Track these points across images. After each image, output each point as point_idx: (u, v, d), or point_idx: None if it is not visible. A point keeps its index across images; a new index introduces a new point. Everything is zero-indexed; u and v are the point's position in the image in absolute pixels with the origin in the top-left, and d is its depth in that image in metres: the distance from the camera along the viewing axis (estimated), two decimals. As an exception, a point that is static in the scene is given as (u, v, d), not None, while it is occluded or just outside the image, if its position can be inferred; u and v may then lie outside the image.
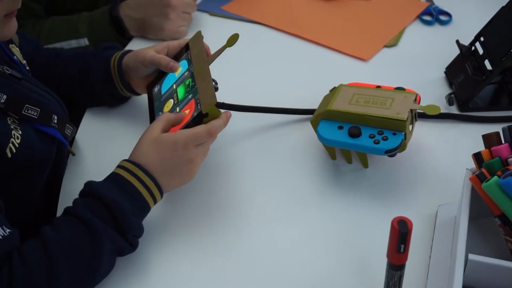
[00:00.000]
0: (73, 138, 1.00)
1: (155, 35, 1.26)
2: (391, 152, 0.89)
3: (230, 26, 1.31)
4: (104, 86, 1.04)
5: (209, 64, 0.94)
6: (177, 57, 0.99)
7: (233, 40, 0.96)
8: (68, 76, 1.05)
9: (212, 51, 0.97)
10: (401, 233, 0.64)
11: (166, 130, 0.86)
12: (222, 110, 0.87)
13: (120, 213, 0.78)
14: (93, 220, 0.77)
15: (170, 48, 0.99)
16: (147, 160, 0.83)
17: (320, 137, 0.93)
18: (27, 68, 0.98)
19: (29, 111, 0.86)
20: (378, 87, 0.98)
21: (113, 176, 0.82)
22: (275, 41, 1.28)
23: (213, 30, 1.27)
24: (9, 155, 0.82)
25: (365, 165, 0.96)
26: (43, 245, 0.75)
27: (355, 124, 0.92)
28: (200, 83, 0.90)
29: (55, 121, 0.91)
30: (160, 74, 1.01)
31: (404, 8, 1.35)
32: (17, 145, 0.83)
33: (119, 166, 0.83)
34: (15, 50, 0.96)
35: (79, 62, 1.05)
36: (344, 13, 1.34)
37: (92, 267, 0.77)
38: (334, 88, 1.01)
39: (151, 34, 1.26)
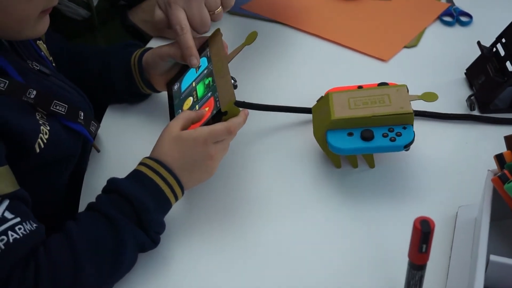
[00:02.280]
0: (95, 134, 1.01)
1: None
2: (409, 146, 0.90)
3: (250, 25, 1.31)
4: (124, 83, 1.04)
5: (228, 62, 0.94)
6: None
7: (251, 38, 0.96)
8: (91, 73, 1.06)
9: (232, 49, 0.97)
10: (423, 233, 0.64)
11: (185, 127, 0.87)
12: (241, 108, 0.88)
13: (143, 210, 0.79)
14: (117, 216, 0.78)
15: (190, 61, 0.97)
16: (168, 158, 0.84)
17: (334, 148, 0.91)
18: (54, 64, 0.99)
19: (57, 107, 0.87)
20: (360, 87, 0.98)
21: (135, 173, 0.83)
22: (295, 40, 1.28)
23: (233, 29, 1.27)
24: (38, 150, 0.83)
25: (372, 165, 0.96)
26: (67, 240, 0.76)
27: (364, 127, 0.91)
28: (219, 81, 0.91)
29: (82, 118, 0.92)
30: (179, 72, 1.01)
31: (425, 8, 1.34)
32: (45, 141, 0.84)
33: (141, 163, 0.84)
34: (42, 46, 0.97)
35: (101, 60, 1.06)
36: (364, 13, 1.34)
37: (115, 263, 0.78)
38: (321, 97, 0.99)
39: (169, 33, 1.26)
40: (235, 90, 0.89)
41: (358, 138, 0.90)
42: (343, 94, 0.95)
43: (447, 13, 1.32)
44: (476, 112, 1.06)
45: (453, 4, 1.35)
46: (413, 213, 0.83)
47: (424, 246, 0.65)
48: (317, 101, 0.99)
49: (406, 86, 0.95)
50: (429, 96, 0.94)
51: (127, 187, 0.81)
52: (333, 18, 1.33)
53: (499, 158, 0.78)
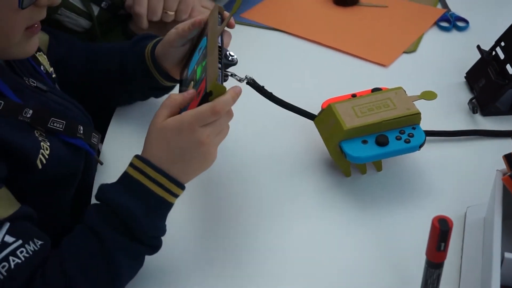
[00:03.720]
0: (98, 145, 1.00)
1: (161, 31, 1.26)
2: (423, 145, 0.92)
3: (250, 33, 1.33)
4: (144, 80, 1.01)
5: (218, 36, 0.85)
6: (200, 36, 0.93)
7: (237, 5, 0.85)
8: (108, 73, 1.04)
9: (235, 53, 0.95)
10: (442, 231, 0.65)
11: (174, 115, 0.79)
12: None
13: (130, 218, 0.75)
14: (105, 232, 0.75)
15: (192, 25, 0.91)
16: (154, 152, 0.78)
17: (352, 158, 0.91)
18: (54, 76, 0.97)
19: (55, 124, 0.86)
20: (354, 95, 0.98)
21: (123, 177, 0.79)
22: (295, 47, 1.29)
23: (233, 37, 1.27)
24: (40, 166, 0.82)
25: (379, 168, 0.97)
26: (59, 260, 0.75)
27: (376, 133, 0.92)
28: (208, 59, 0.81)
29: (81, 132, 0.90)
30: (188, 58, 0.95)
31: (421, 14, 1.37)
32: (47, 156, 0.83)
33: (129, 164, 0.79)
34: (42, 58, 0.96)
35: (117, 59, 1.03)
36: (362, 20, 1.36)
37: (110, 278, 0.76)
38: (322, 110, 0.98)
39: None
40: (234, 67, 0.82)
41: (373, 145, 0.91)
42: (345, 103, 0.95)
43: (444, 18, 1.34)
44: (478, 115, 1.08)
45: (449, 10, 1.37)
46: (423, 215, 0.86)
47: (443, 244, 0.67)
48: (318, 114, 0.98)
49: (402, 88, 0.97)
50: (429, 95, 0.96)
51: (112, 194, 0.77)
52: (332, 25, 1.35)
53: (508, 158, 0.80)
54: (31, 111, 0.82)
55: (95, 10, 1.21)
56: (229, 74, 0.86)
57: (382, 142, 0.91)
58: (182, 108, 0.81)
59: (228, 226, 0.91)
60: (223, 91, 0.78)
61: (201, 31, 0.94)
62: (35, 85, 0.88)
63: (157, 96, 1.08)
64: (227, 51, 0.86)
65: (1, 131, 0.77)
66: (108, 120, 1.10)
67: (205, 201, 0.94)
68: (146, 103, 1.10)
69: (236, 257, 0.87)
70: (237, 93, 0.79)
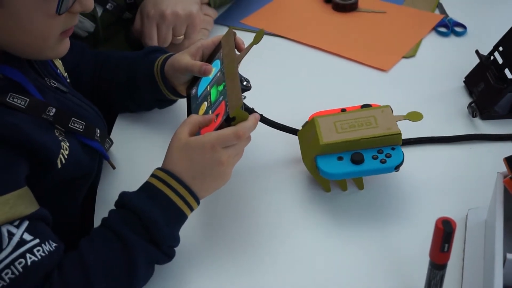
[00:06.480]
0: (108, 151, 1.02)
1: (174, 50, 1.28)
2: (399, 167, 0.91)
3: (250, 39, 1.32)
4: (151, 92, 1.04)
5: (238, 63, 0.91)
6: (211, 56, 0.98)
7: (259, 36, 0.94)
8: (116, 82, 1.06)
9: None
10: (445, 232, 0.66)
11: (193, 133, 0.85)
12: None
13: (153, 225, 0.78)
14: (128, 234, 0.78)
15: (204, 48, 0.98)
16: (178, 167, 0.82)
17: (325, 174, 0.91)
18: (68, 80, 0.99)
19: (75, 124, 0.88)
20: (343, 110, 0.98)
21: (146, 186, 0.83)
22: (295, 53, 1.31)
23: (234, 43, 1.29)
24: (59, 165, 0.83)
25: (361, 187, 0.96)
26: (80, 261, 0.76)
27: (353, 151, 0.91)
28: (228, 84, 0.88)
29: (98, 135, 0.93)
30: (197, 77, 0.99)
31: (419, 20, 1.38)
32: (66, 156, 0.85)
33: (152, 175, 0.84)
34: (58, 63, 0.98)
35: (126, 69, 1.06)
36: (361, 25, 1.37)
37: (128, 281, 0.78)
38: (307, 122, 0.98)
39: (171, 49, 1.28)
40: (249, 92, 0.86)
41: (348, 162, 0.90)
42: (328, 118, 0.95)
43: (442, 24, 1.36)
44: (477, 119, 1.09)
45: (447, 15, 1.39)
46: (424, 217, 0.87)
47: (446, 245, 0.68)
48: (302, 126, 0.98)
49: (390, 106, 0.96)
50: (414, 116, 0.94)
51: (136, 201, 0.80)
52: (331, 30, 1.36)
53: (509, 160, 0.81)
54: (54, 110, 0.84)
55: (99, 11, 1.22)
56: (244, 98, 0.90)
57: (357, 160, 0.89)
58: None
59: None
60: (245, 117, 0.84)
61: (212, 53, 0.97)
62: (55, 86, 0.90)
63: (161, 107, 1.10)
64: (241, 76, 0.92)
65: (26, 129, 0.78)
66: (110, 125, 1.11)
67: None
68: (148, 111, 1.12)
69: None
70: (258, 119, 0.86)
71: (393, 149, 0.91)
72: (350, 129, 0.92)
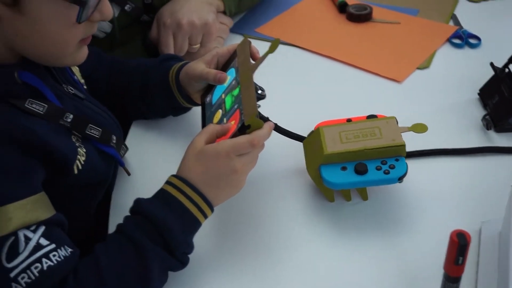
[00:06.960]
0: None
1: (190, 58, 1.29)
2: (403, 178, 0.91)
3: (264, 48, 1.33)
4: (165, 99, 1.05)
5: (253, 72, 0.92)
6: (226, 65, 0.98)
7: (274, 46, 0.95)
8: (131, 88, 1.07)
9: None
10: (460, 245, 0.66)
11: (210, 141, 0.86)
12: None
13: (167, 231, 0.79)
14: (143, 240, 0.78)
15: (219, 56, 0.99)
16: (193, 174, 0.83)
17: (329, 183, 0.91)
18: (85, 87, 1.00)
19: (92, 131, 0.89)
20: (349, 120, 0.98)
21: (160, 193, 0.83)
22: (309, 62, 1.31)
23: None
24: (76, 171, 0.84)
25: (365, 197, 0.96)
26: (96, 266, 0.77)
27: (357, 161, 0.91)
28: (244, 93, 0.89)
29: (114, 141, 0.94)
30: (212, 85, 1.00)
31: (434, 31, 1.38)
32: (82, 162, 0.85)
33: (166, 182, 0.84)
34: (75, 69, 0.99)
35: (141, 76, 1.07)
36: (375, 36, 1.38)
37: (143, 287, 0.78)
38: (312, 132, 0.98)
39: (187, 57, 1.29)
40: (264, 100, 0.87)
41: (352, 172, 0.90)
42: (333, 128, 0.95)
43: (456, 35, 1.36)
44: (492, 131, 1.09)
45: (461, 27, 1.39)
46: (437, 230, 0.87)
47: (461, 258, 0.68)
48: (308, 135, 0.99)
49: (395, 118, 0.96)
50: (419, 128, 0.94)
51: (151, 208, 0.80)
52: (345, 40, 1.36)
53: (524, 173, 0.81)
54: (71, 116, 0.85)
55: (116, 11, 1.22)
56: (258, 106, 0.91)
57: (360, 170, 0.89)
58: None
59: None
60: (260, 125, 0.85)
61: (227, 61, 0.98)
62: (73, 92, 0.91)
63: (176, 114, 1.11)
64: (256, 84, 0.92)
65: (44, 134, 0.79)
66: (125, 132, 1.11)
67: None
68: (163, 118, 1.12)
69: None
70: (272, 128, 0.86)
71: (397, 160, 0.91)
72: (355, 140, 0.93)
